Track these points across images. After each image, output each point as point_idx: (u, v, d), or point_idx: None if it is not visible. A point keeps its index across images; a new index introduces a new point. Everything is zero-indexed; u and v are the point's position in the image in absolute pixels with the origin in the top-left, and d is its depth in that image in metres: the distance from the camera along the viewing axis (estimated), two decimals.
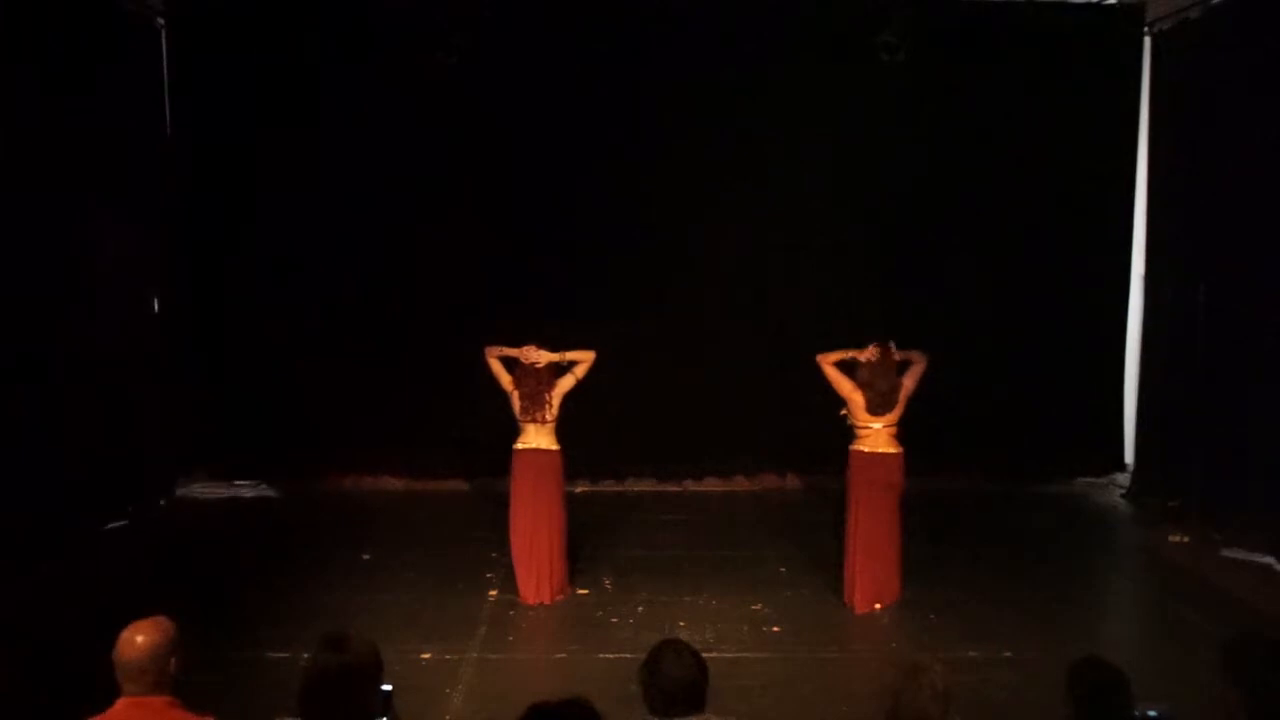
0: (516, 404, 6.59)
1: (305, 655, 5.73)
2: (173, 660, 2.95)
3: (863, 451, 6.53)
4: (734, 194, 9.26)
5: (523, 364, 6.56)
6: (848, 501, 6.64)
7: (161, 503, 8.84)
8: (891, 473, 6.50)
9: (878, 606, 6.55)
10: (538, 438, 6.59)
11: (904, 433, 6.54)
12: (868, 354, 6.41)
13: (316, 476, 9.36)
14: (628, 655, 5.46)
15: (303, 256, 9.14)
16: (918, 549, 6.91)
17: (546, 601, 6.63)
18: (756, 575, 7.16)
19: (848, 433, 6.60)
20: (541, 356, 6.55)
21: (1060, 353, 9.49)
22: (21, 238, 6.95)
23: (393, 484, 9.50)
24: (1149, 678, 3.66)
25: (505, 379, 6.61)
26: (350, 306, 9.22)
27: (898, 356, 6.44)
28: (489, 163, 9.19)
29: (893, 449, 6.50)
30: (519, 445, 6.63)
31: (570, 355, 6.63)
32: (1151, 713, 3.06)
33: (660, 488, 9.52)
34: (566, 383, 6.59)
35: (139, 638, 2.93)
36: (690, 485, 9.61)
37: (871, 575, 6.54)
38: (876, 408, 6.43)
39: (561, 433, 6.69)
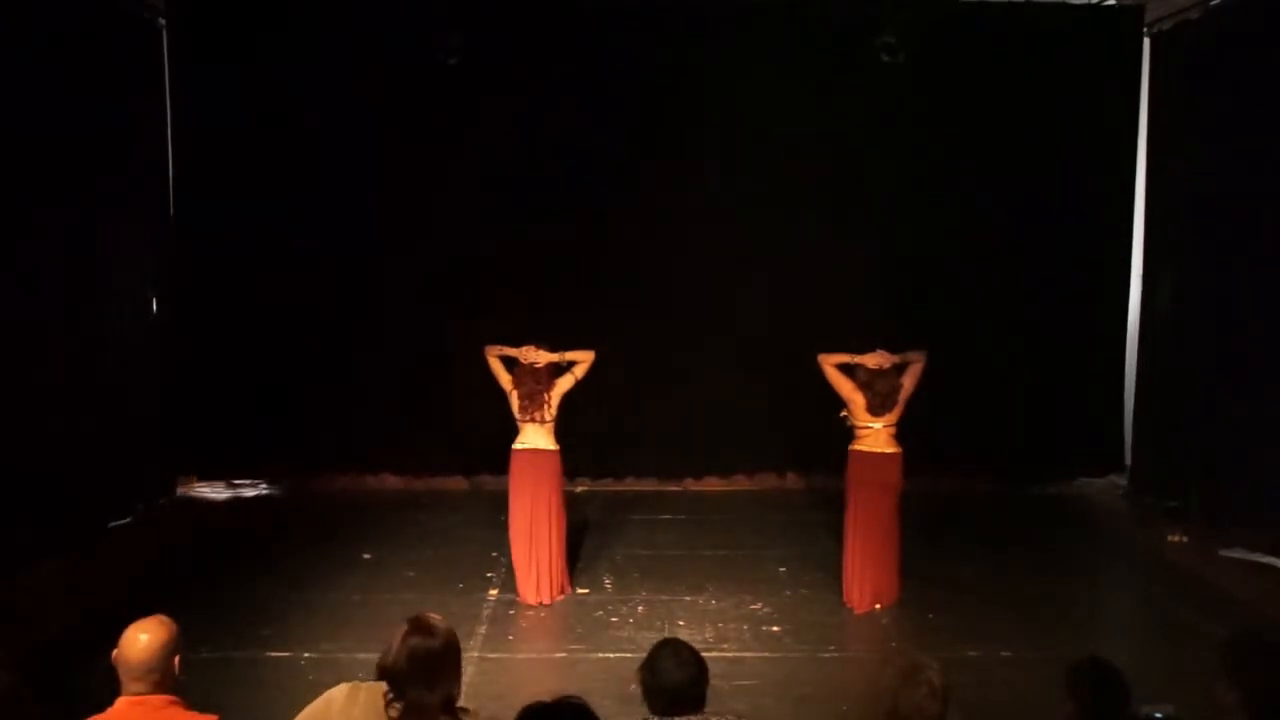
0: (515, 403, 6.59)
1: (305, 655, 5.74)
2: (176, 660, 2.94)
3: (862, 451, 6.53)
4: (734, 193, 9.27)
5: (522, 363, 6.56)
6: (847, 501, 6.64)
7: (162, 502, 8.83)
8: (891, 473, 6.50)
9: (878, 606, 6.55)
10: (536, 437, 6.58)
11: (904, 433, 6.55)
12: (876, 360, 6.40)
13: (316, 476, 9.36)
14: (628, 655, 5.47)
15: (302, 256, 9.12)
16: (918, 549, 6.91)
17: (546, 601, 6.63)
18: (756, 575, 7.16)
19: (847, 433, 6.61)
20: (541, 356, 6.55)
21: (1060, 353, 9.49)
22: (21, 237, 6.94)
23: (392, 483, 9.50)
24: (1149, 678, 3.67)
25: (504, 378, 6.62)
26: (350, 305, 9.22)
27: (896, 359, 6.45)
28: (489, 162, 9.18)
29: (892, 449, 6.50)
30: (518, 445, 6.63)
31: (570, 355, 6.62)
32: (1156, 715, 3.07)
33: (660, 487, 9.51)
34: (566, 383, 6.59)
35: (143, 636, 2.93)
36: (690, 485, 9.61)
37: (871, 575, 6.54)
38: (876, 408, 6.43)
39: (561, 432, 6.69)
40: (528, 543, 6.60)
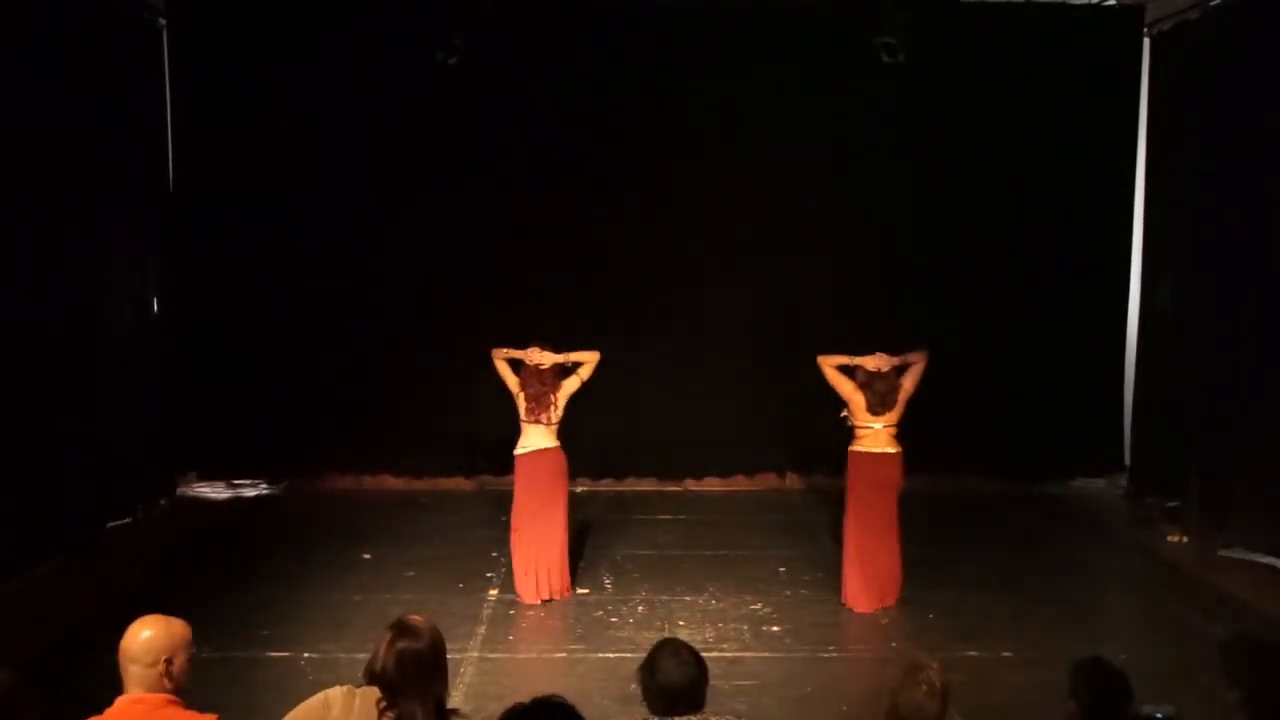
0: (522, 405, 6.59)
1: (305, 655, 5.74)
2: (175, 659, 2.92)
3: (862, 451, 6.52)
4: (734, 194, 9.27)
5: (527, 365, 6.56)
6: (847, 501, 6.64)
7: (162, 502, 8.84)
8: (890, 472, 6.49)
9: (878, 607, 6.55)
10: (541, 438, 6.58)
11: (904, 433, 6.54)
12: (875, 364, 6.40)
13: (317, 476, 9.37)
14: (628, 655, 5.47)
15: (303, 256, 9.14)
16: (918, 549, 6.90)
17: (547, 601, 6.63)
18: (756, 575, 7.15)
19: (847, 433, 6.61)
20: (546, 358, 6.54)
21: (1060, 353, 9.50)
22: (21, 237, 6.94)
23: (393, 483, 9.50)
24: (1149, 678, 3.67)
25: (512, 380, 6.61)
26: (350, 306, 9.22)
27: (896, 361, 6.45)
28: (490, 163, 9.20)
29: (892, 449, 6.50)
30: (521, 446, 6.62)
31: (574, 356, 6.63)
32: (1158, 715, 3.07)
33: (660, 488, 9.52)
34: (571, 384, 6.59)
35: (145, 633, 2.91)
36: (690, 485, 9.61)
37: (871, 575, 6.54)
38: (876, 407, 6.43)
39: (562, 432, 6.69)
40: (529, 543, 6.60)
